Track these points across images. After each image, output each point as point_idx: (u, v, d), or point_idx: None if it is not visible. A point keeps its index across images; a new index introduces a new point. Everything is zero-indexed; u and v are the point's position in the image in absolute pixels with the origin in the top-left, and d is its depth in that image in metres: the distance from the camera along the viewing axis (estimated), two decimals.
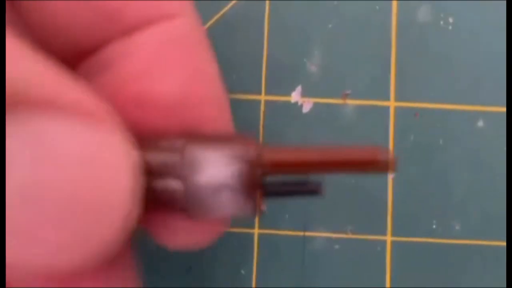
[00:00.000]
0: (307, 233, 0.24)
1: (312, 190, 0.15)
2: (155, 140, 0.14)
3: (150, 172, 0.14)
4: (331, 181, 0.24)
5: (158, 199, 0.14)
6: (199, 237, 0.17)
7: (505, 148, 0.24)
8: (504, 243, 0.24)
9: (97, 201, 0.12)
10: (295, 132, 0.24)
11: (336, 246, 0.24)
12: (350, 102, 0.24)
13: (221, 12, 0.25)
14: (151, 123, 0.14)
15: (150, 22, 0.15)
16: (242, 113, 0.24)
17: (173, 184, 0.14)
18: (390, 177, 0.24)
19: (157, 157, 0.14)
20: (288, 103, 0.24)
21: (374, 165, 0.14)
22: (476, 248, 0.24)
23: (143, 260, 0.24)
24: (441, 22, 0.25)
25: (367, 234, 0.24)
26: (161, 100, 0.14)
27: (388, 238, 0.24)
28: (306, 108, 0.24)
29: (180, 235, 0.16)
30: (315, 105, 0.24)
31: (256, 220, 0.24)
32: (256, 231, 0.24)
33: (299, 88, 0.24)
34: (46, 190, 0.11)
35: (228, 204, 0.14)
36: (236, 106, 0.24)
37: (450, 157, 0.24)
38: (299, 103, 0.24)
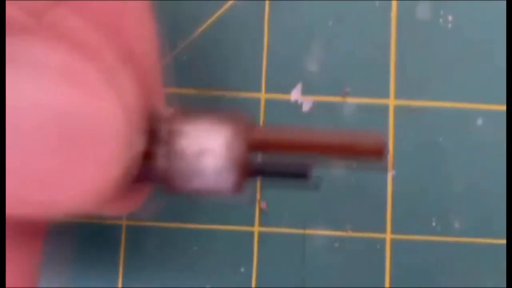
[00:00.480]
0: (307, 231, 0.24)
1: (300, 174, 0.14)
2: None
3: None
4: (331, 178, 0.24)
5: (142, 167, 0.13)
6: (128, 206, 0.16)
7: (504, 146, 0.24)
8: (504, 241, 0.24)
9: (94, 133, 0.11)
10: None
11: (336, 244, 0.24)
12: (350, 100, 0.24)
13: (221, 10, 0.25)
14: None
15: None
16: (242, 110, 0.24)
17: (156, 150, 0.13)
18: (390, 175, 0.24)
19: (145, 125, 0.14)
20: (288, 101, 0.24)
21: (363, 150, 0.14)
22: (476, 246, 0.24)
23: (143, 260, 0.24)
24: (441, 20, 0.25)
25: (367, 232, 0.24)
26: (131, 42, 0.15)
27: (388, 236, 0.24)
28: (306, 106, 0.24)
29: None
30: (315, 103, 0.24)
31: (256, 217, 0.24)
32: (256, 228, 0.24)
33: (299, 86, 0.24)
34: (47, 115, 0.11)
35: (209, 172, 0.13)
36: (236, 104, 0.24)
37: (450, 155, 0.24)
38: (299, 101, 0.24)
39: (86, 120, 0.11)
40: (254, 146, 0.14)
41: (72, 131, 0.11)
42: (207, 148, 0.13)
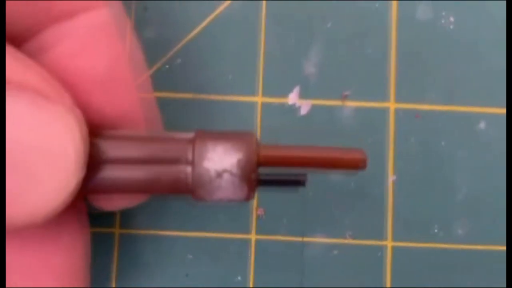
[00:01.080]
0: (306, 239, 0.23)
1: (297, 182, 0.18)
2: (169, 133, 0.18)
3: (164, 160, 0.17)
4: (330, 185, 0.23)
5: (171, 183, 0.17)
6: (126, 204, 0.20)
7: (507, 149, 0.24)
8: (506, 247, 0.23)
9: (42, 162, 0.15)
10: (293, 134, 0.23)
11: (335, 252, 0.23)
12: (349, 103, 0.24)
13: (217, 12, 0.24)
14: (83, 97, 0.17)
15: (77, 11, 0.18)
16: (238, 115, 0.24)
17: (184, 168, 0.17)
18: (391, 180, 0.23)
19: (172, 147, 0.17)
20: (285, 105, 0.24)
21: (349, 163, 0.18)
22: (479, 253, 0.23)
23: (137, 268, 0.23)
24: (442, 21, 0.24)
25: (367, 239, 0.23)
26: (90, 75, 0.17)
27: (389, 243, 0.23)
28: (304, 110, 0.24)
29: (114, 202, 0.20)
30: (313, 107, 0.24)
31: (253, 225, 0.23)
32: (253, 236, 0.23)
33: (296, 90, 0.24)
34: (10, 147, 0.15)
35: (227, 186, 0.17)
36: (232, 108, 0.23)
37: (452, 160, 0.23)
38: (297, 105, 0.24)
39: (42, 153, 0.15)
40: (262, 162, 0.17)
41: (30, 161, 0.15)
42: (225, 169, 0.17)
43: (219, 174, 0.17)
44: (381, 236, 0.23)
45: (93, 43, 0.18)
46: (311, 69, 0.24)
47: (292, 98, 0.24)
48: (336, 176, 0.23)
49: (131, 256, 0.23)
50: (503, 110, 0.24)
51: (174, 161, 0.17)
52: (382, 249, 0.23)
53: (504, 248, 0.23)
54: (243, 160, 0.17)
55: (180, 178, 0.17)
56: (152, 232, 0.23)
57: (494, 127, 0.24)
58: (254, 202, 0.23)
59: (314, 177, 0.23)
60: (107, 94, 0.18)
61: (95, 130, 0.17)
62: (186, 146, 0.17)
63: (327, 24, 0.24)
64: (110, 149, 0.17)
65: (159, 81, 0.24)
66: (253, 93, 0.24)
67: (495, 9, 0.24)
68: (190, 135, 0.17)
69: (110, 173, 0.17)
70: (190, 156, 0.17)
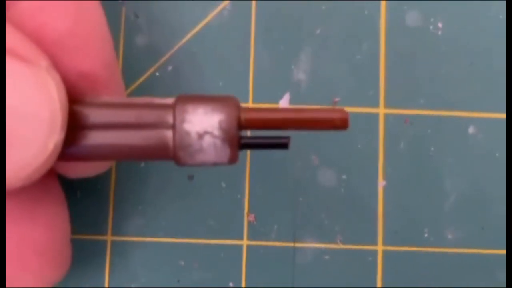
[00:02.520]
0: (297, 244, 0.23)
1: (280, 144, 0.18)
2: (150, 99, 0.18)
3: (145, 125, 0.17)
4: (320, 190, 0.23)
5: (153, 147, 0.17)
6: (91, 171, 0.21)
7: (497, 154, 0.24)
8: (497, 251, 0.23)
9: (20, 124, 0.15)
10: None
11: (326, 257, 0.23)
12: None
13: (207, 19, 0.24)
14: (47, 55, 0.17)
15: None
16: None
17: (166, 133, 0.17)
18: (381, 185, 0.24)
19: (153, 112, 0.17)
20: None
21: (329, 123, 0.17)
22: (469, 257, 0.23)
23: (129, 275, 0.23)
24: (431, 27, 0.24)
25: (358, 244, 0.23)
26: (52, 34, 0.17)
27: (379, 248, 0.23)
28: None
29: (79, 169, 0.20)
30: None
31: (245, 231, 0.23)
32: (244, 242, 0.23)
33: (287, 96, 0.24)
34: None
35: (209, 148, 0.17)
36: None
37: (441, 164, 0.24)
38: None
39: (19, 114, 0.15)
40: (243, 125, 0.17)
41: (8, 123, 0.15)
42: (206, 130, 0.17)
43: (200, 136, 0.17)
44: (371, 240, 0.23)
45: (54, 2, 0.17)
46: (301, 75, 0.24)
47: (283, 104, 0.24)
48: (326, 182, 0.23)
49: (123, 263, 0.23)
50: (493, 115, 0.24)
51: (155, 125, 0.17)
52: (373, 253, 0.23)
53: (494, 251, 0.23)
54: (224, 121, 0.17)
55: (162, 142, 0.17)
56: (144, 239, 0.23)
57: (483, 132, 0.24)
58: (245, 207, 0.23)
59: (304, 182, 0.23)
60: (67, 54, 0.18)
61: (76, 96, 0.17)
62: (167, 110, 0.17)
63: (317, 31, 0.24)
64: (90, 115, 0.17)
65: (150, 88, 0.24)
66: (244, 99, 0.24)
67: (483, 15, 0.24)
68: (171, 100, 0.17)
69: (91, 139, 0.17)
70: (171, 120, 0.17)
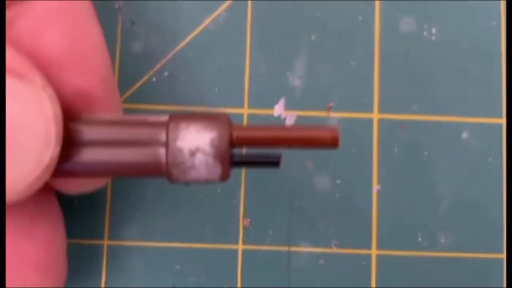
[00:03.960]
0: (292, 248, 0.23)
1: (271, 162, 0.18)
2: (144, 117, 0.18)
3: (139, 142, 0.17)
4: (315, 195, 0.24)
5: (146, 164, 0.17)
6: (87, 187, 0.21)
7: (490, 159, 0.24)
8: (491, 255, 0.23)
9: (17, 139, 0.15)
10: None
11: (321, 261, 0.23)
12: (334, 114, 0.24)
13: (203, 25, 0.24)
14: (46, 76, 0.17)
15: None
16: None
17: (159, 150, 0.17)
18: (375, 189, 0.24)
19: (146, 130, 0.17)
20: (271, 117, 0.24)
21: (320, 141, 0.18)
22: (462, 261, 0.24)
23: (125, 280, 0.23)
24: (425, 33, 0.24)
25: (352, 248, 0.24)
26: (49, 52, 0.18)
27: (373, 252, 0.23)
28: (289, 121, 0.24)
29: (75, 185, 0.20)
30: (299, 118, 0.24)
31: (240, 235, 0.24)
32: (239, 247, 0.23)
33: (282, 101, 0.24)
34: None
35: (201, 166, 0.17)
36: None
37: (435, 169, 0.24)
38: (282, 116, 0.24)
39: (15, 130, 0.15)
40: (235, 142, 0.17)
41: (8, 136, 0.15)
42: (198, 148, 0.17)
43: (192, 153, 0.17)
44: (366, 245, 0.24)
45: (50, 22, 0.18)
46: (296, 81, 0.24)
47: (278, 109, 0.24)
48: (321, 186, 0.24)
49: (119, 268, 0.23)
50: (486, 120, 0.24)
51: (149, 143, 0.17)
52: (367, 258, 0.23)
53: (488, 255, 0.24)
54: (216, 139, 0.17)
55: (155, 160, 0.17)
56: (140, 243, 0.23)
57: (477, 137, 0.24)
58: (241, 212, 0.24)
59: (299, 187, 0.24)
60: (64, 72, 0.18)
61: (71, 114, 0.17)
62: (160, 127, 0.17)
63: (312, 37, 0.24)
64: (85, 132, 0.17)
65: (146, 93, 0.24)
66: (239, 105, 0.24)
67: (477, 21, 0.24)
68: (164, 118, 0.18)
69: (86, 156, 0.17)
70: (163, 137, 0.17)
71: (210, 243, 0.23)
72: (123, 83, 0.24)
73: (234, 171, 0.24)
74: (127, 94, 0.24)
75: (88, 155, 0.17)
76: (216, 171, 0.17)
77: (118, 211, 0.23)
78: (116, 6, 0.24)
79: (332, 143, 0.18)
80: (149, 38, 0.24)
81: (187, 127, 0.17)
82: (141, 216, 0.23)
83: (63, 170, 0.17)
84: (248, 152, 0.18)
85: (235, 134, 0.17)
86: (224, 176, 0.18)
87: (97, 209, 0.23)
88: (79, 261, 0.23)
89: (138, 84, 0.24)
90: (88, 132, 0.17)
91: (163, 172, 0.17)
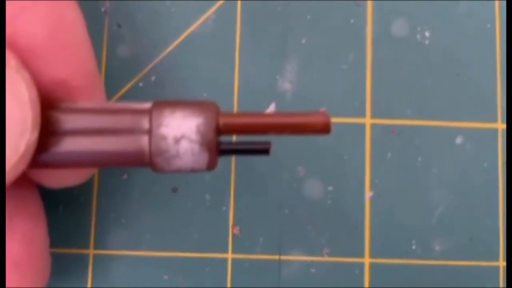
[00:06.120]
0: (282, 257, 0.23)
1: (260, 150, 0.17)
2: (126, 104, 0.17)
3: (121, 131, 0.17)
4: (306, 202, 0.23)
5: (129, 153, 0.17)
6: (70, 181, 0.20)
7: (485, 164, 0.24)
8: (485, 263, 0.23)
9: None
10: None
11: (313, 270, 0.23)
12: None
13: (191, 29, 0.24)
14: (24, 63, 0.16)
15: None
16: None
17: (142, 138, 0.16)
18: (367, 196, 0.23)
19: (129, 117, 0.17)
20: None
21: (311, 127, 0.17)
22: (456, 269, 0.23)
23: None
24: (418, 36, 0.24)
25: (344, 256, 0.23)
26: (29, 41, 0.17)
27: (366, 260, 0.23)
28: None
29: (57, 178, 0.20)
30: None
31: (229, 243, 0.23)
32: (229, 255, 0.23)
33: (272, 106, 0.24)
34: None
35: (186, 154, 0.16)
36: None
37: (429, 175, 0.23)
38: None
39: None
40: (222, 130, 0.17)
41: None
42: (183, 135, 0.16)
43: (177, 141, 0.16)
44: (358, 253, 0.23)
45: (32, 9, 0.17)
46: (286, 85, 0.24)
47: None
48: (313, 193, 0.23)
49: (106, 277, 0.23)
50: (480, 125, 0.24)
51: (131, 131, 0.17)
52: (359, 266, 0.23)
53: (482, 263, 0.23)
54: (202, 125, 0.16)
55: (138, 148, 0.16)
56: (127, 252, 0.23)
57: (471, 142, 0.24)
58: (230, 220, 0.23)
59: (289, 193, 0.23)
60: (44, 61, 0.17)
61: (51, 102, 0.17)
62: (143, 114, 0.17)
63: (302, 40, 0.24)
64: (65, 120, 0.17)
65: (133, 98, 0.23)
66: (229, 109, 0.23)
67: (470, 24, 0.24)
68: (148, 104, 0.17)
69: (66, 145, 0.17)
70: (147, 125, 0.16)
71: (198, 251, 0.23)
72: (109, 87, 0.23)
73: (223, 178, 0.23)
74: (114, 98, 0.23)
75: (68, 144, 0.16)
76: (202, 159, 0.16)
77: (104, 220, 0.23)
78: (103, 9, 0.24)
79: (324, 128, 0.17)
80: (136, 42, 0.24)
81: (172, 113, 0.16)
82: (128, 224, 0.23)
83: (42, 160, 0.16)
84: (236, 140, 0.18)
85: (223, 120, 0.17)
86: (211, 165, 0.17)
87: (83, 217, 0.23)
88: (65, 270, 0.23)
89: (125, 88, 0.23)
90: (68, 121, 0.17)
91: (146, 161, 0.17)
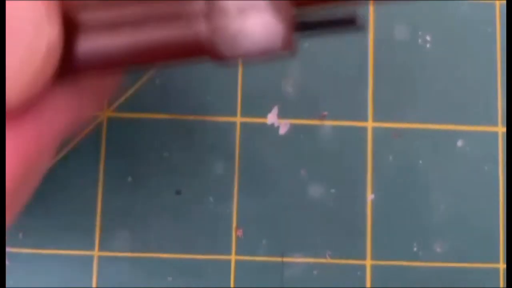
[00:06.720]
0: (285, 259, 0.23)
1: (348, 20, 0.14)
2: None
3: (168, 15, 0.13)
4: (308, 204, 0.23)
5: (181, 40, 0.13)
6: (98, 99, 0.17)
7: (485, 167, 0.24)
8: (486, 265, 0.23)
9: (16, 30, 0.13)
10: (272, 154, 0.23)
11: (315, 272, 0.23)
12: (328, 123, 0.24)
13: None
14: None
15: None
16: (218, 135, 0.24)
17: (195, 18, 0.13)
18: (369, 199, 0.23)
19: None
20: (264, 125, 0.24)
21: None
22: (457, 271, 0.23)
23: None
24: (419, 41, 0.24)
25: (347, 258, 0.23)
26: None
27: (368, 262, 0.23)
28: (282, 130, 0.24)
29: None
30: (292, 126, 0.24)
31: (233, 246, 0.23)
32: (232, 257, 0.23)
33: (275, 109, 0.24)
34: None
35: (256, 29, 0.13)
36: (211, 128, 0.23)
37: (430, 178, 0.24)
38: (276, 125, 0.24)
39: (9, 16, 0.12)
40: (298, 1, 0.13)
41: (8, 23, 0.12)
42: (249, 2, 0.13)
43: (242, 10, 0.13)
44: (360, 255, 0.23)
45: None
46: (289, 89, 0.24)
47: (271, 118, 0.24)
48: (315, 195, 0.23)
49: (110, 279, 0.23)
50: (481, 128, 0.24)
51: (181, 11, 0.13)
52: (361, 268, 0.23)
53: (483, 265, 0.23)
54: None
55: (192, 31, 0.13)
56: (131, 254, 0.23)
57: (472, 145, 0.24)
58: (234, 222, 0.23)
59: (293, 196, 0.23)
60: None
61: None
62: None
63: (305, 44, 0.24)
64: (99, 10, 0.13)
65: (138, 102, 0.24)
66: (232, 113, 0.24)
67: (471, 28, 0.24)
68: None
69: (103, 39, 0.13)
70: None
71: (202, 254, 0.23)
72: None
73: (226, 181, 0.23)
74: (119, 101, 0.24)
75: (106, 38, 0.13)
76: (276, 33, 0.13)
77: (109, 221, 0.23)
78: None
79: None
80: None
81: None
82: (132, 226, 0.23)
83: (76, 62, 0.13)
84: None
85: None
86: (288, 42, 0.13)
87: (87, 219, 0.23)
88: (70, 272, 0.23)
89: (129, 92, 0.24)
90: (102, 10, 0.13)
91: (204, 47, 0.13)
